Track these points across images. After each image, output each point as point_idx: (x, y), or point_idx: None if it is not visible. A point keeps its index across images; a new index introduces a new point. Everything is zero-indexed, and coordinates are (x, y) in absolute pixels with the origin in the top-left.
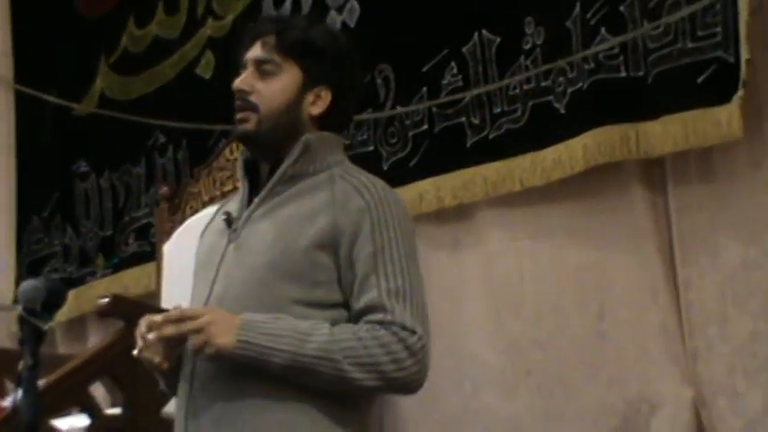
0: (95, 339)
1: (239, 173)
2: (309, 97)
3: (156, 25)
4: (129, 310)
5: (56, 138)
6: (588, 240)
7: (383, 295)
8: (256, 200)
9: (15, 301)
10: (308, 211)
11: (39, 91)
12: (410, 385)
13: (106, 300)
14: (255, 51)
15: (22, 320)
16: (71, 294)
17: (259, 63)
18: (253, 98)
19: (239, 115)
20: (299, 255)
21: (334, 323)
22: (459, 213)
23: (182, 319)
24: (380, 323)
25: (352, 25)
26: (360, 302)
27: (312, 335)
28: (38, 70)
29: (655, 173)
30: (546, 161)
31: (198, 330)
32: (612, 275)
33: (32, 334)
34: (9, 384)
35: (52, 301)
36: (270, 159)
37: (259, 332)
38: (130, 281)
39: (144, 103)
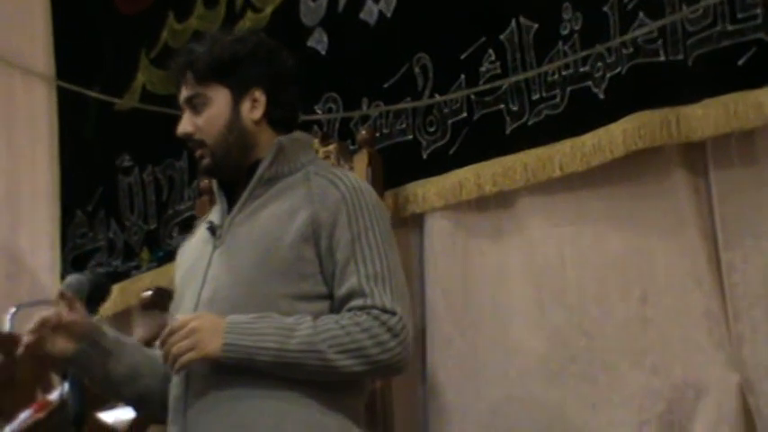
0: (141, 332)
1: (214, 186)
2: (245, 106)
3: (196, 19)
4: None
5: (99, 133)
6: (630, 225)
7: (362, 280)
8: (237, 205)
9: None
10: (288, 208)
11: (81, 87)
12: (395, 365)
13: (150, 292)
14: (183, 92)
15: None
16: (117, 288)
17: (187, 101)
18: (196, 136)
19: (196, 155)
20: (284, 250)
21: (320, 315)
22: (499, 200)
23: (171, 333)
24: (361, 308)
25: (388, 15)
26: (341, 289)
27: (296, 330)
28: (79, 66)
29: (696, 156)
30: (586, 147)
31: (185, 337)
32: (655, 260)
33: None
34: (55, 378)
35: (97, 295)
36: (241, 174)
37: (244, 333)
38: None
39: None
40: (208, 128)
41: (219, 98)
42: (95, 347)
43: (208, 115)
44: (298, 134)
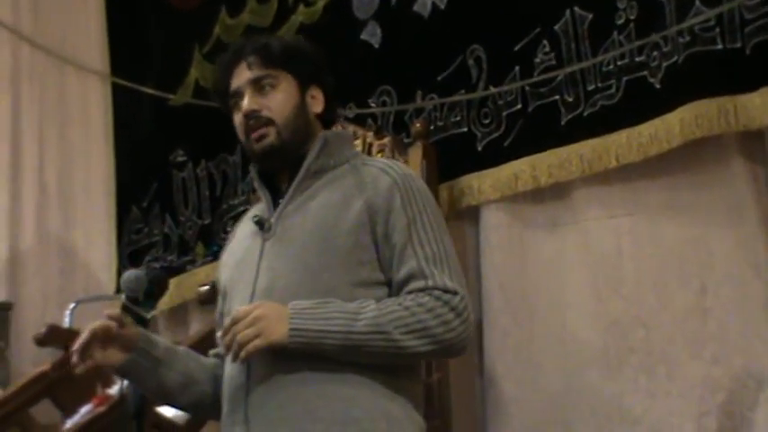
0: (197, 326)
1: (255, 182)
2: (308, 98)
3: (249, 14)
4: None
5: (153, 128)
6: (687, 215)
7: (421, 263)
8: (285, 197)
9: (118, 290)
10: (341, 197)
11: (135, 83)
12: (459, 345)
13: (206, 287)
14: (245, 75)
15: (125, 310)
16: (172, 283)
17: (256, 81)
18: (264, 113)
19: (255, 134)
20: (342, 238)
21: (379, 301)
22: (555, 192)
23: (235, 322)
24: (422, 290)
25: (442, 7)
26: (400, 273)
27: (360, 313)
28: (133, 63)
29: (754, 144)
30: (642, 137)
31: (250, 325)
32: (713, 250)
33: (136, 323)
34: None
35: (154, 290)
36: (289, 165)
37: (309, 318)
38: None
39: None
40: (278, 108)
41: (288, 83)
42: (146, 356)
43: (278, 96)
44: (339, 129)
